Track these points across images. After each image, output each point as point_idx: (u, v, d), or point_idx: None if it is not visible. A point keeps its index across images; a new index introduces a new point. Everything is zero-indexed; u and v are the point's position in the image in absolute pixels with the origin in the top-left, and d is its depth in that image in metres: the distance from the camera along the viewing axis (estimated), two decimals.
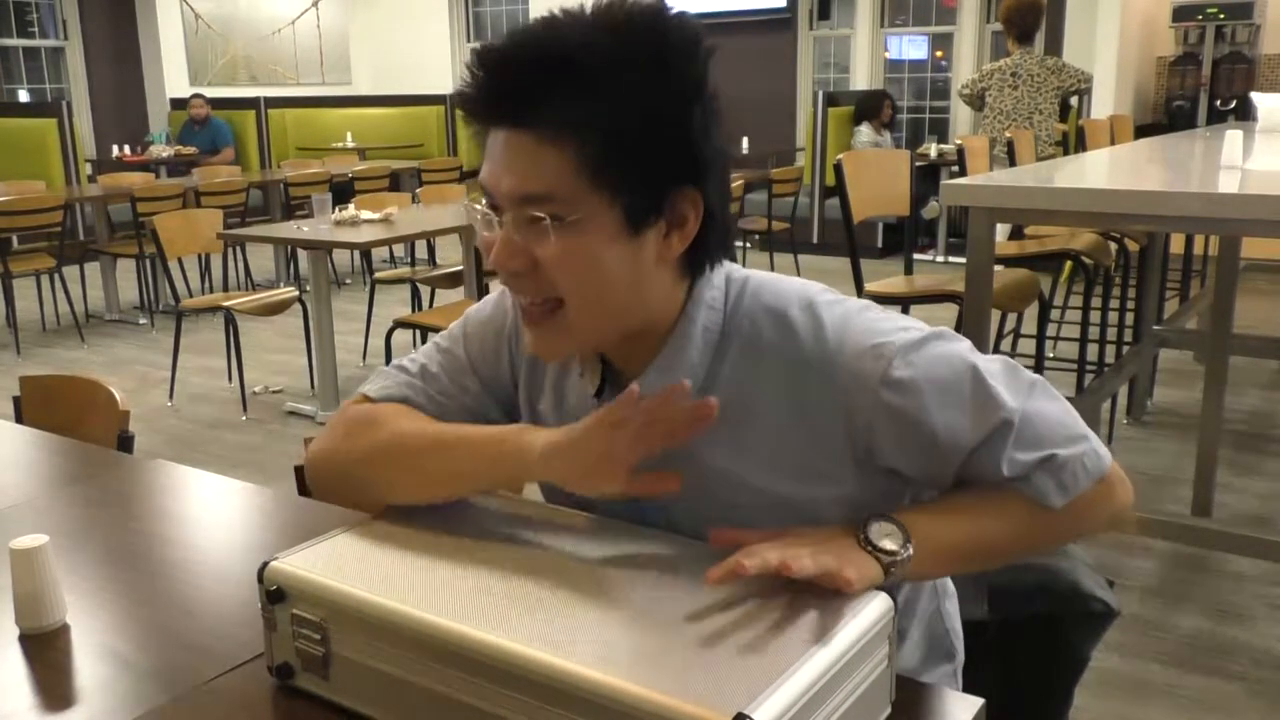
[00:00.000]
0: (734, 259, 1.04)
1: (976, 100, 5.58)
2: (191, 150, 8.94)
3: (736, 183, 5.91)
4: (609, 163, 0.90)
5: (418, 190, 6.26)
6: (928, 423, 0.95)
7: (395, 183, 7.73)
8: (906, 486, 1.03)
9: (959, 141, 4.36)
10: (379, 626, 0.89)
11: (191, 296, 6.15)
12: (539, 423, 1.14)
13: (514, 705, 0.81)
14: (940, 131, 9.11)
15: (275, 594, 0.95)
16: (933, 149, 7.79)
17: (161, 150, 8.85)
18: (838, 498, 0.99)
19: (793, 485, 0.99)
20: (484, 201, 0.96)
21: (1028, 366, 2.67)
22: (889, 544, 0.91)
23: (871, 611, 0.86)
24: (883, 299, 3.21)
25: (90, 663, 1.04)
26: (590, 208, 0.91)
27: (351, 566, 0.96)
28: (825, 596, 0.87)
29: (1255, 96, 4.42)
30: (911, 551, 0.92)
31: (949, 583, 1.19)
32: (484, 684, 0.83)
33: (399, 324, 4.24)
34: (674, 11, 0.94)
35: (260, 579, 0.96)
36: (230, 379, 4.88)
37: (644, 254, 0.95)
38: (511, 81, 0.91)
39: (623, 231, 0.93)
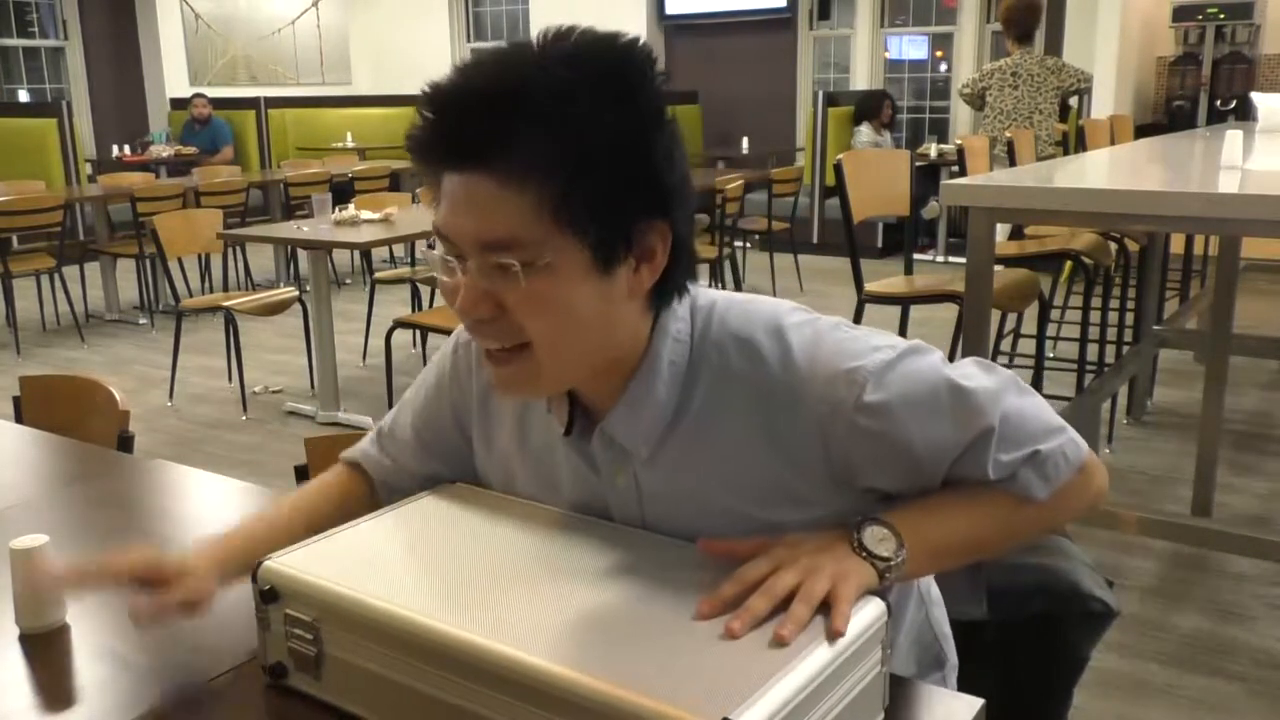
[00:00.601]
0: (694, 281, 1.01)
1: (976, 100, 5.58)
2: (192, 150, 8.94)
3: (736, 182, 5.91)
4: (575, 202, 0.86)
5: (418, 190, 6.25)
6: (908, 442, 0.94)
7: (395, 183, 7.72)
8: (888, 501, 1.02)
9: (959, 141, 4.36)
10: (369, 627, 0.89)
11: (191, 296, 6.15)
12: (499, 460, 1.12)
13: (501, 707, 0.81)
14: (940, 131, 9.11)
15: (269, 594, 0.95)
16: (933, 149, 7.79)
17: (161, 150, 8.85)
18: (819, 520, 0.97)
19: (771, 511, 0.98)
20: (440, 247, 0.92)
21: (1027, 367, 2.65)
22: (884, 550, 0.91)
23: (864, 616, 0.86)
24: (883, 299, 3.21)
25: (90, 663, 1.04)
26: (558, 249, 0.87)
27: (345, 567, 0.96)
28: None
29: (1255, 96, 4.42)
30: (905, 555, 0.92)
31: (935, 590, 1.18)
32: (472, 685, 0.83)
33: (399, 324, 4.24)
34: (626, 37, 0.91)
35: (254, 579, 0.96)
36: (230, 379, 4.88)
37: (615, 291, 0.91)
38: (467, 123, 0.87)
39: (593, 271, 0.89)
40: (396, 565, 0.97)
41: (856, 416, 0.93)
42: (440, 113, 0.89)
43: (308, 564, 0.96)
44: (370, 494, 1.22)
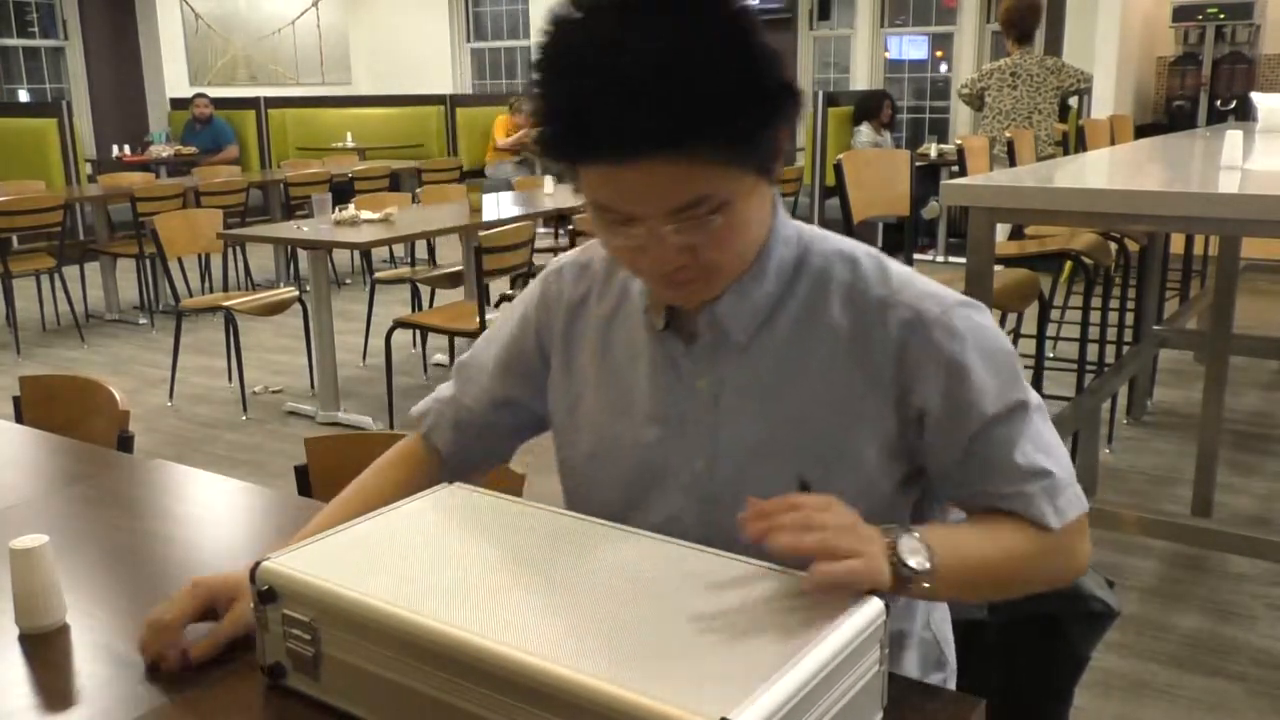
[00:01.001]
0: None
1: (976, 100, 5.58)
2: (192, 150, 8.94)
3: None
4: (738, 140, 0.93)
5: (418, 190, 6.27)
6: (966, 374, 1.01)
7: (395, 183, 7.73)
8: (920, 472, 1.06)
9: (959, 141, 4.36)
10: (366, 627, 0.89)
11: (191, 296, 6.15)
12: (575, 381, 1.17)
13: (498, 707, 0.81)
14: (940, 131, 9.11)
15: (267, 594, 0.95)
16: (933, 149, 7.79)
17: (162, 150, 8.85)
18: (870, 438, 1.03)
19: (831, 428, 1.04)
20: (606, 216, 0.97)
21: (1028, 367, 2.66)
22: (913, 561, 0.91)
23: (862, 615, 0.85)
24: None
25: (90, 663, 1.05)
26: (733, 183, 0.95)
27: (343, 567, 0.96)
28: (816, 600, 0.87)
29: (1255, 96, 4.42)
30: (931, 571, 0.91)
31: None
32: (469, 686, 0.83)
33: (399, 324, 4.24)
34: None
35: (252, 579, 0.96)
36: (230, 379, 4.88)
37: (770, 188, 1.02)
38: (615, 122, 0.89)
39: (759, 184, 0.98)
40: (394, 566, 0.97)
41: (934, 330, 1.01)
42: (578, 115, 0.92)
43: (305, 564, 0.96)
44: (436, 460, 1.25)
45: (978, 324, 1.03)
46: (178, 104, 9.65)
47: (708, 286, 1.03)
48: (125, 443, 1.77)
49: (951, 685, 1.18)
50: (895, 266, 1.07)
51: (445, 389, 1.27)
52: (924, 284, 1.05)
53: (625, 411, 1.12)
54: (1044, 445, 1.02)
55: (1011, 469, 1.00)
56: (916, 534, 0.93)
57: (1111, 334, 3.99)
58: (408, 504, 1.10)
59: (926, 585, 0.91)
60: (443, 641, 0.84)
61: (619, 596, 0.89)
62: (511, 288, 4.95)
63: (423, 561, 0.98)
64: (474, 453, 1.25)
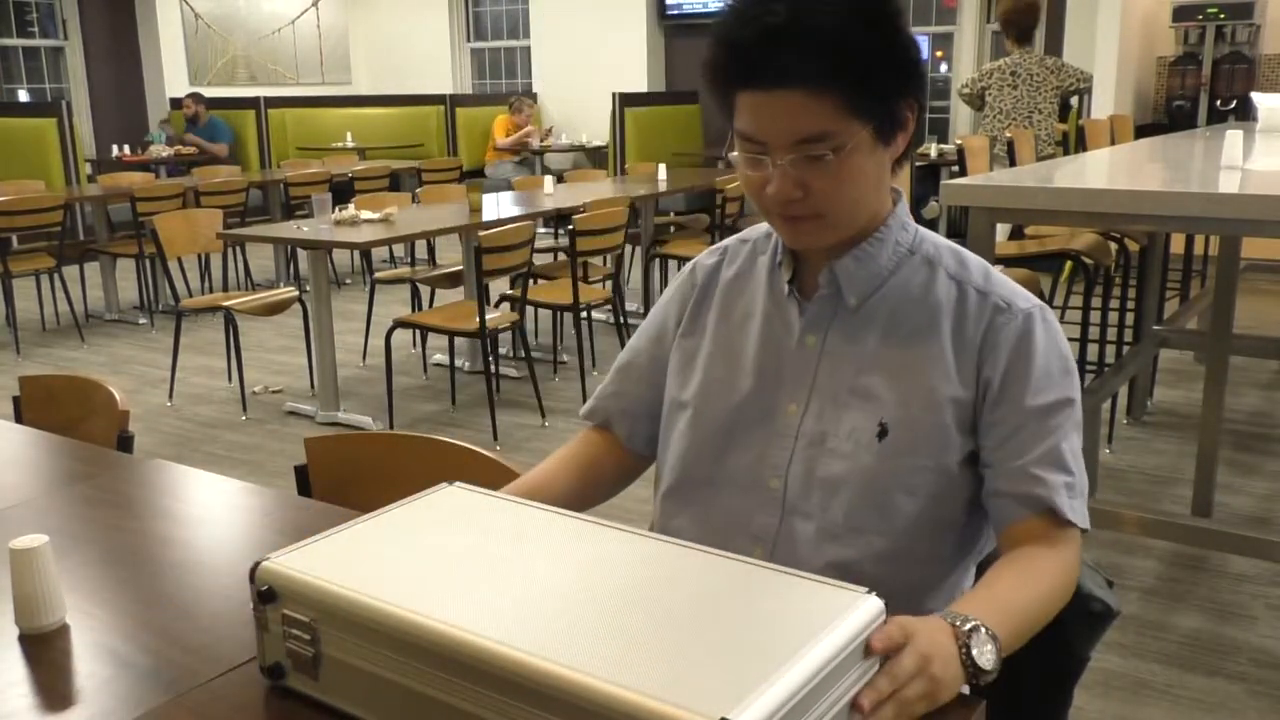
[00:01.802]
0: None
1: (976, 100, 5.57)
2: (191, 150, 8.94)
3: (736, 182, 5.91)
4: (863, 96, 1.08)
5: (418, 190, 6.26)
6: (1030, 361, 1.15)
7: (395, 183, 7.73)
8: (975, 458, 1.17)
9: (959, 141, 4.36)
10: (365, 627, 0.89)
11: (191, 296, 6.15)
12: (695, 337, 1.31)
13: (498, 707, 0.81)
14: (940, 131, 9.10)
15: (267, 594, 0.95)
16: (933, 149, 7.78)
17: (161, 150, 8.85)
18: (949, 398, 1.15)
19: (924, 367, 1.16)
20: (745, 148, 1.13)
21: None
22: (984, 661, 0.94)
23: (862, 615, 0.85)
24: None
25: (90, 663, 1.05)
26: (854, 133, 1.10)
27: (343, 566, 0.96)
28: (815, 600, 0.87)
29: (1255, 96, 4.41)
30: (997, 662, 0.96)
31: (941, 596, 1.20)
32: (468, 685, 0.83)
33: (399, 324, 4.24)
34: None
35: (252, 579, 0.96)
36: (230, 379, 4.88)
37: (887, 158, 1.16)
38: (777, 53, 1.07)
39: (877, 144, 1.13)
40: (394, 565, 0.97)
41: (1017, 318, 1.17)
42: (747, 46, 1.09)
43: (305, 564, 0.96)
44: (618, 446, 1.38)
45: (1052, 325, 1.19)
46: (177, 104, 9.66)
47: (817, 230, 1.16)
48: (125, 443, 1.77)
49: None
50: (995, 270, 1.22)
51: (607, 386, 1.40)
52: (1017, 286, 1.21)
53: (733, 362, 1.26)
54: (1075, 451, 1.15)
55: (1045, 453, 1.12)
56: (986, 630, 0.96)
57: (1111, 334, 3.99)
58: (408, 504, 1.10)
59: (993, 673, 0.96)
60: (443, 641, 0.84)
61: (619, 596, 0.89)
62: (511, 288, 4.95)
63: (423, 561, 0.98)
64: (650, 434, 1.35)
